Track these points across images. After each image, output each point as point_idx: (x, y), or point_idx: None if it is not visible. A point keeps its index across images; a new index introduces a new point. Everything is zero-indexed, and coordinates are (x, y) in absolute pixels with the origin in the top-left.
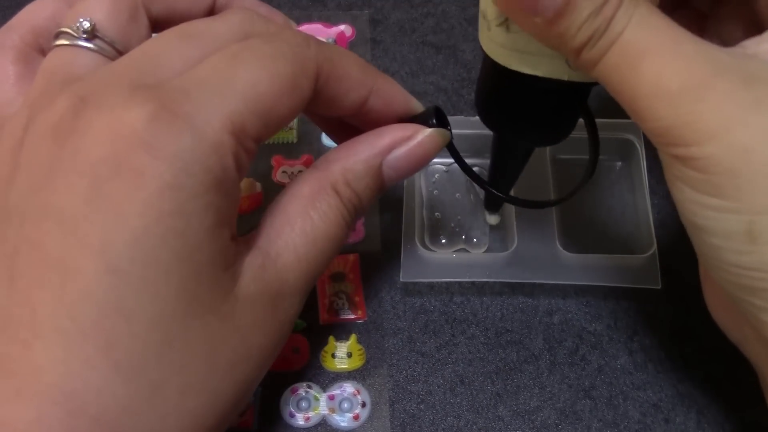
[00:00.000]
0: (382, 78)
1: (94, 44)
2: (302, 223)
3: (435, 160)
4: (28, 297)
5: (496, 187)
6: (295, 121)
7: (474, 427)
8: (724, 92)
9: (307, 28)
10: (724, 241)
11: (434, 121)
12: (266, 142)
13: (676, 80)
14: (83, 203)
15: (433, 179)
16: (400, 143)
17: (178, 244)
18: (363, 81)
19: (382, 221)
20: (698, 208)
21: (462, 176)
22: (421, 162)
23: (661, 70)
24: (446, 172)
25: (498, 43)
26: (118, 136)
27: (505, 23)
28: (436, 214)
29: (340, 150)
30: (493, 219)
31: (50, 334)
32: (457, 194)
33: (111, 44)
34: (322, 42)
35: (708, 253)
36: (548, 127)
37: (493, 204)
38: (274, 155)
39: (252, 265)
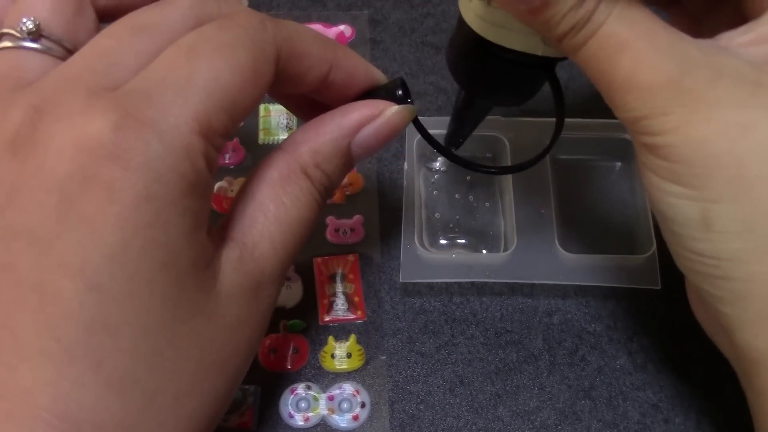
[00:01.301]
0: (341, 50)
1: (41, 44)
2: (275, 209)
3: (435, 160)
4: (6, 321)
5: (453, 137)
6: (295, 121)
7: (473, 427)
8: (690, 89)
9: None
10: (683, 228)
11: (400, 92)
12: (264, 143)
13: (647, 76)
14: (54, 222)
15: (433, 180)
16: (368, 121)
17: (159, 254)
18: (323, 56)
19: (382, 221)
20: (662, 194)
21: (462, 176)
22: (389, 138)
23: (635, 64)
24: (446, 172)
25: (477, 15)
26: (83, 150)
27: None
28: (436, 214)
29: (307, 130)
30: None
31: (35, 356)
32: (457, 194)
33: (58, 42)
34: (279, 21)
35: (672, 240)
36: (515, 91)
37: (453, 140)
38: None
39: (230, 258)
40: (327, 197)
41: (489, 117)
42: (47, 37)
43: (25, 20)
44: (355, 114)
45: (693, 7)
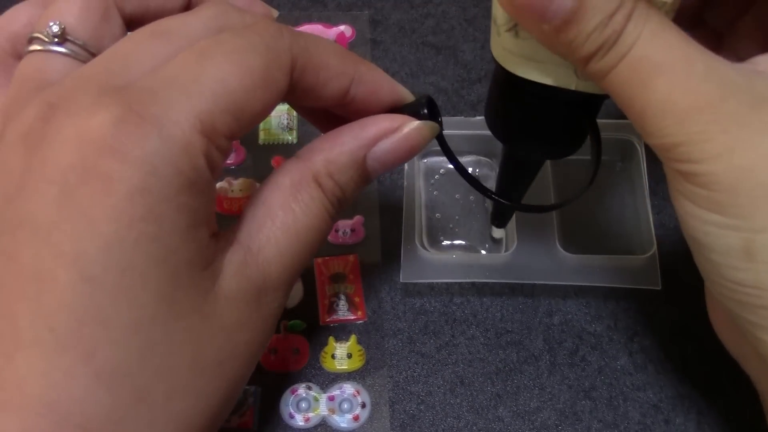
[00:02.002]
0: (364, 66)
1: (66, 48)
2: (284, 216)
3: (435, 160)
4: (7, 309)
5: (506, 199)
6: (295, 121)
7: (474, 427)
8: (732, 114)
9: (307, 28)
10: (722, 257)
11: (425, 111)
12: (266, 143)
13: (685, 100)
14: (55, 211)
15: (433, 180)
16: (386, 135)
17: (153, 248)
18: (343, 70)
19: (382, 222)
20: (699, 223)
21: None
22: (408, 155)
23: (672, 89)
24: (446, 173)
25: (507, 49)
26: (84, 142)
27: (515, 29)
28: (436, 214)
29: (324, 140)
30: (498, 233)
31: (30, 345)
32: (457, 195)
33: (83, 47)
34: (298, 32)
35: (708, 268)
36: (555, 139)
37: (500, 217)
38: (274, 156)
39: (233, 261)
40: (340, 209)
41: None
42: (73, 42)
43: (51, 24)
44: (373, 127)
45: (715, 24)
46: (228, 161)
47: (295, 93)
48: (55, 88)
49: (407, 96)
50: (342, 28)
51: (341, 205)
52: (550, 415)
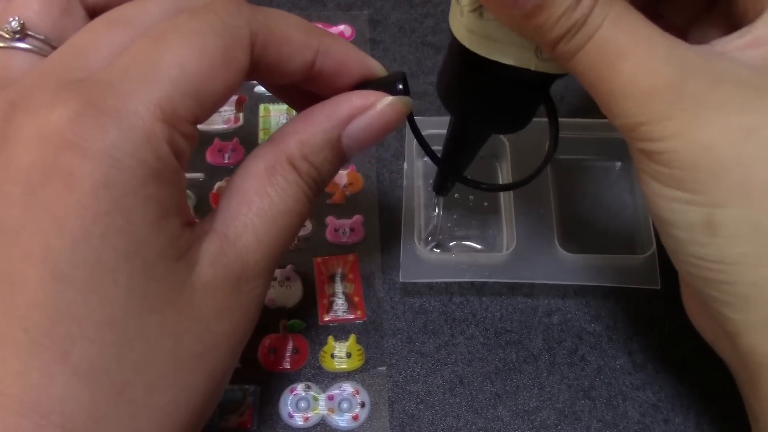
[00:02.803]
0: (329, 38)
1: (27, 43)
2: (260, 201)
3: None
4: None
5: (449, 167)
6: None
7: (473, 427)
8: (691, 93)
9: None
10: (686, 233)
11: (401, 87)
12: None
13: (648, 81)
14: (21, 212)
15: (432, 179)
16: (360, 113)
17: (121, 242)
18: (306, 43)
19: (382, 221)
20: (663, 201)
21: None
22: (383, 132)
23: (635, 70)
24: None
25: (469, 29)
26: (44, 139)
27: (479, 9)
28: (436, 214)
29: (296, 122)
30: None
31: (6, 347)
32: (457, 194)
33: (45, 41)
34: (257, 7)
35: (673, 246)
36: (509, 115)
37: (442, 185)
38: None
39: (209, 250)
40: (318, 191)
41: None
42: (34, 36)
43: (11, 20)
44: (346, 105)
45: (678, 19)
46: (228, 161)
47: (259, 70)
48: (16, 86)
49: (378, 69)
50: (341, 27)
51: (318, 187)
52: (549, 415)
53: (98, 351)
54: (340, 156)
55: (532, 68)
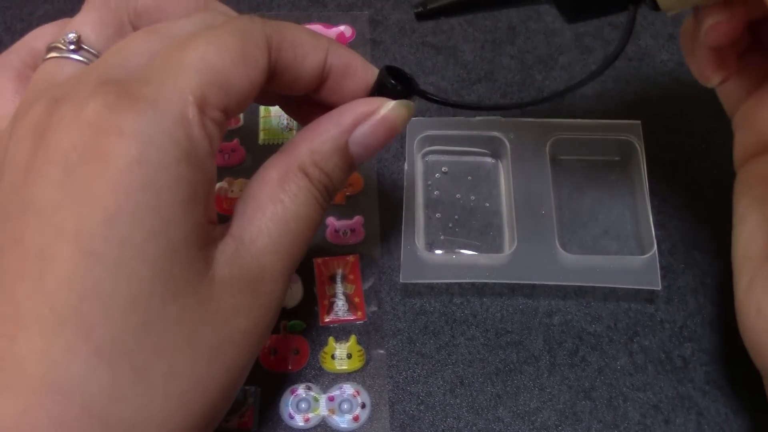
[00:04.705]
0: (335, 43)
1: (81, 55)
2: (273, 207)
3: (435, 159)
4: (11, 292)
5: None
6: (295, 122)
7: (474, 428)
8: None
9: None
10: None
11: (392, 82)
12: (266, 143)
13: None
14: (58, 191)
15: (433, 180)
16: (364, 119)
17: (150, 220)
18: (316, 44)
19: (382, 222)
20: None
21: (463, 176)
22: (389, 135)
23: None
24: (446, 172)
25: None
26: (84, 125)
27: None
28: (437, 214)
29: (305, 131)
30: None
31: (32, 325)
32: (457, 194)
33: (97, 55)
34: (271, 20)
35: None
36: None
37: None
38: None
39: (225, 251)
40: (329, 197)
41: (489, 117)
42: (88, 50)
43: (68, 33)
44: (351, 112)
45: None
46: (228, 161)
47: (280, 73)
48: (61, 85)
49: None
50: (342, 28)
51: (329, 193)
52: (550, 416)
53: (120, 331)
54: (349, 162)
55: None
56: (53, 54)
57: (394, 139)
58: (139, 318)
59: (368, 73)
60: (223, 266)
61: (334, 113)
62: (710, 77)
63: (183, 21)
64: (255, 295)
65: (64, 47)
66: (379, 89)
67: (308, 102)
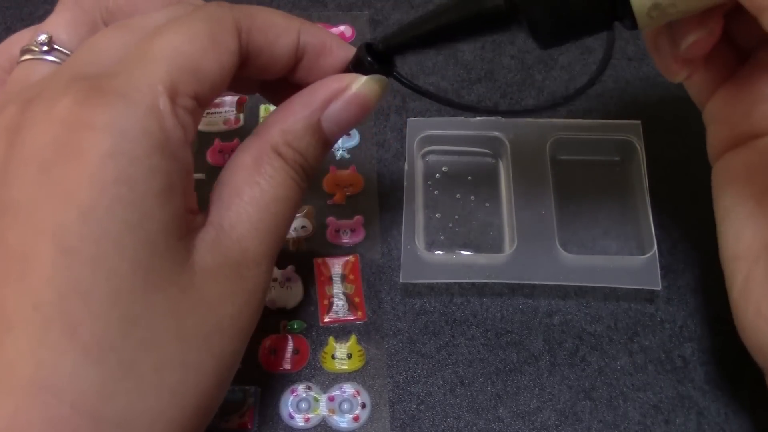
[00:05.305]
0: (308, 23)
1: (54, 56)
2: (251, 191)
3: (435, 159)
4: None
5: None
6: None
7: (474, 428)
8: None
9: None
10: None
11: (369, 59)
12: None
13: None
14: (34, 189)
15: (433, 180)
16: (336, 96)
17: (127, 213)
18: (288, 25)
19: (382, 222)
20: None
21: (463, 176)
22: (362, 112)
23: None
24: (446, 172)
25: None
26: (56, 121)
27: None
28: (437, 214)
29: (277, 112)
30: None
31: (17, 325)
32: (458, 194)
33: (70, 54)
34: (241, 5)
35: None
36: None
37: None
38: None
39: (205, 239)
40: (307, 176)
41: (489, 117)
42: (61, 50)
43: (39, 35)
44: (322, 90)
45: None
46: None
47: (250, 57)
48: (33, 86)
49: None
50: (342, 28)
51: (306, 173)
52: (550, 416)
53: (104, 327)
54: (323, 140)
55: None
56: (27, 56)
57: (367, 115)
58: (123, 312)
59: (344, 51)
60: (204, 254)
61: (305, 92)
62: (677, 72)
63: (154, 14)
64: (239, 280)
65: (36, 49)
66: (356, 67)
67: (287, 86)
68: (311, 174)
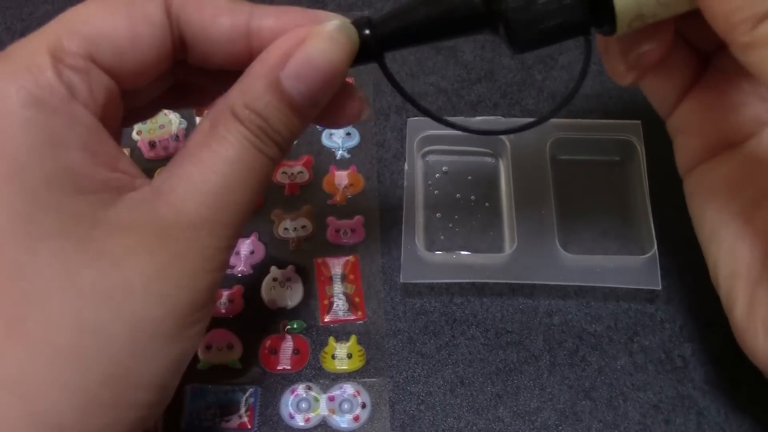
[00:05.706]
0: (269, 7)
1: None
2: (198, 152)
3: (435, 159)
4: None
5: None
6: None
7: (474, 428)
8: None
9: None
10: None
11: (367, 32)
12: None
13: None
14: None
15: (433, 180)
16: (294, 50)
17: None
18: (233, 7)
19: (382, 222)
20: None
21: (463, 176)
22: (327, 67)
23: None
24: (446, 172)
25: None
26: None
27: None
28: (437, 214)
29: (240, 77)
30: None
31: None
32: (458, 194)
33: None
34: None
35: None
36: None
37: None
38: None
39: (133, 198)
40: (269, 141)
41: (489, 117)
42: None
43: None
44: (278, 45)
45: (703, 45)
46: None
47: (188, 37)
48: None
49: (332, 18)
50: None
51: (268, 136)
52: (550, 416)
53: None
54: (287, 101)
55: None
56: None
57: (335, 72)
58: (4, 261)
59: (315, 20)
60: (121, 211)
61: (264, 51)
62: (624, 75)
63: None
64: (164, 240)
65: None
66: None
67: None
68: (281, 142)
